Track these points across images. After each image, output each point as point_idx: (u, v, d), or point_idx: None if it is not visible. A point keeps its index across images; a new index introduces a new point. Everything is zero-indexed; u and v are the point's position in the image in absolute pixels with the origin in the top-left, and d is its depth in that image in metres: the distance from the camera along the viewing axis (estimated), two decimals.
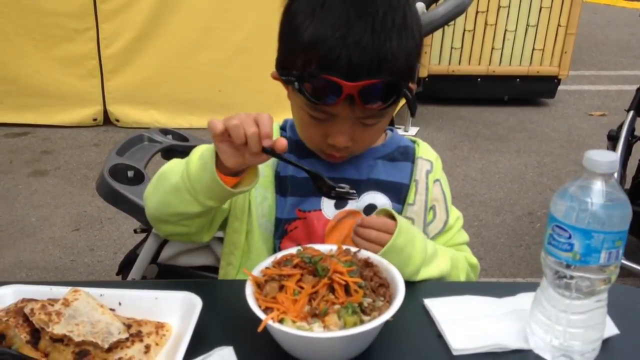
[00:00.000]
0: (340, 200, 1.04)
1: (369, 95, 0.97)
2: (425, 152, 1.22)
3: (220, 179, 0.94)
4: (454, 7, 1.54)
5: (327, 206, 1.13)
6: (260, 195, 1.14)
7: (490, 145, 4.14)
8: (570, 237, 0.80)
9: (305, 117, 1.05)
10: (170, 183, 1.01)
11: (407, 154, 1.20)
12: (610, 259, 0.80)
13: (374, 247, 0.99)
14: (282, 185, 1.14)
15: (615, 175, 2.62)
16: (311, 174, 0.98)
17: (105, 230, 3.01)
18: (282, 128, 1.21)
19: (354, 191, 0.99)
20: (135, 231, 2.09)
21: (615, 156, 0.79)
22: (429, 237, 1.16)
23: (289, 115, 1.17)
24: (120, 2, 3.97)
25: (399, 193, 1.16)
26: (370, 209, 1.13)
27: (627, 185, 2.75)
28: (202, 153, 0.98)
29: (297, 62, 1.00)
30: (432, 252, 1.08)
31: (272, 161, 1.12)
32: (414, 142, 1.24)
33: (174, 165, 1.04)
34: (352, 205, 1.13)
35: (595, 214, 0.78)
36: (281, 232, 1.13)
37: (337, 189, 0.97)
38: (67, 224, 3.06)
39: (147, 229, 1.91)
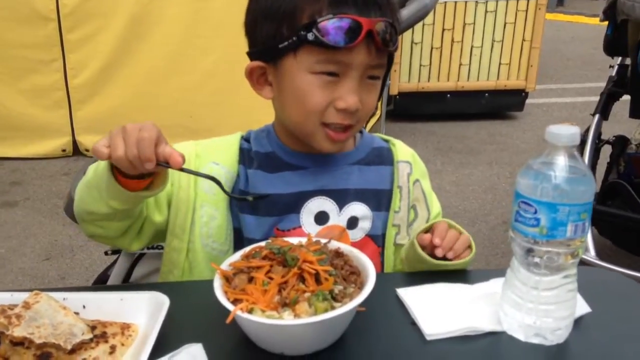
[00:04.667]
0: (245, 202, 1.00)
1: (384, 32, 0.97)
2: (402, 153, 1.19)
3: (116, 179, 0.90)
4: (417, 10, 1.56)
5: (308, 222, 1.09)
6: (206, 214, 1.07)
7: (462, 159, 4.18)
8: (536, 212, 0.80)
9: (313, 81, 0.99)
10: (86, 178, 0.98)
11: (382, 157, 1.17)
12: (577, 232, 0.80)
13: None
14: (251, 204, 1.08)
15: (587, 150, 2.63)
16: (211, 179, 0.94)
17: (76, 258, 2.95)
18: (246, 139, 1.15)
19: (256, 196, 0.99)
20: (106, 253, 2.05)
21: (576, 129, 0.79)
22: (412, 236, 1.12)
23: None
24: (86, 32, 3.95)
25: (379, 199, 1.14)
26: (352, 221, 1.11)
27: (597, 189, 2.79)
28: None
29: (301, 19, 0.97)
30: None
31: (227, 179, 1.08)
32: (387, 141, 1.21)
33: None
34: (334, 220, 1.10)
35: (560, 186, 0.78)
36: None
37: (232, 196, 0.97)
38: (38, 253, 2.99)
39: (118, 250, 1.88)
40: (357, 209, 1.11)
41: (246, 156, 1.12)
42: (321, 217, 1.10)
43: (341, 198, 1.11)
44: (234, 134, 1.15)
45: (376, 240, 1.14)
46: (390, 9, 1.02)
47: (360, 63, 0.99)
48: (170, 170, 1.00)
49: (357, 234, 1.12)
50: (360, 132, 1.19)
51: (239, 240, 1.10)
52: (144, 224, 1.07)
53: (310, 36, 0.95)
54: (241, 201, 1.01)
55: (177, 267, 1.09)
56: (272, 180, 1.09)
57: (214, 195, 1.08)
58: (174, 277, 1.09)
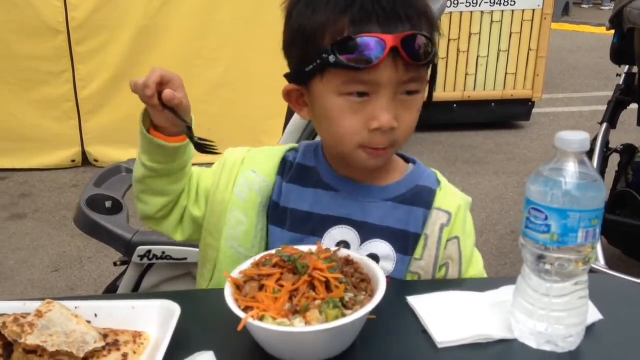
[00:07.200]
0: (205, 153, 0.98)
1: (411, 46, 0.92)
2: (445, 201, 1.09)
3: (144, 125, 1.00)
4: None
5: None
6: (235, 218, 1.08)
7: (469, 169, 4.18)
8: (546, 219, 0.80)
9: (343, 105, 0.96)
10: None
11: (421, 197, 1.09)
12: (588, 239, 0.80)
13: None
14: (279, 216, 1.09)
15: (596, 159, 2.63)
16: (183, 121, 0.97)
17: (85, 269, 2.96)
18: (296, 150, 1.14)
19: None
20: (115, 264, 2.06)
21: (586, 135, 0.79)
22: None
23: (269, 145, 1.16)
24: (95, 43, 3.99)
25: (406, 242, 1.08)
26: (372, 259, 1.01)
27: (606, 198, 2.78)
28: None
29: (324, 41, 0.94)
30: None
31: (261, 188, 1.08)
32: (439, 182, 1.13)
33: None
34: (354, 251, 1.04)
35: (570, 193, 0.78)
36: None
37: (198, 141, 0.98)
38: (47, 265, 3.00)
39: (127, 260, 1.89)
40: (380, 247, 1.07)
41: (286, 167, 1.11)
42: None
43: (364, 231, 1.07)
44: (286, 145, 1.15)
45: None
46: (424, 18, 0.97)
47: (389, 81, 0.94)
48: (214, 170, 1.13)
49: None
50: (414, 162, 1.15)
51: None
52: (184, 214, 1.12)
53: (332, 59, 0.92)
54: (200, 146, 0.98)
55: (210, 262, 1.12)
56: (304, 195, 1.08)
57: (245, 202, 1.08)
58: (207, 271, 1.12)
